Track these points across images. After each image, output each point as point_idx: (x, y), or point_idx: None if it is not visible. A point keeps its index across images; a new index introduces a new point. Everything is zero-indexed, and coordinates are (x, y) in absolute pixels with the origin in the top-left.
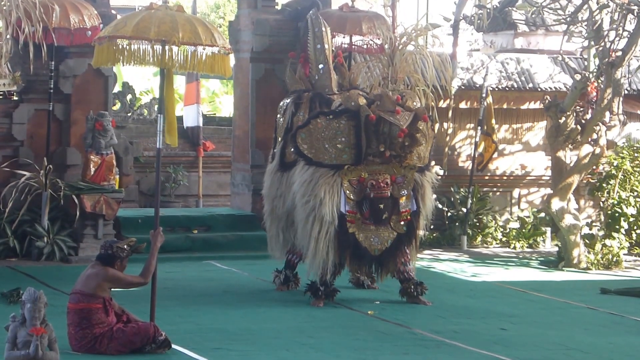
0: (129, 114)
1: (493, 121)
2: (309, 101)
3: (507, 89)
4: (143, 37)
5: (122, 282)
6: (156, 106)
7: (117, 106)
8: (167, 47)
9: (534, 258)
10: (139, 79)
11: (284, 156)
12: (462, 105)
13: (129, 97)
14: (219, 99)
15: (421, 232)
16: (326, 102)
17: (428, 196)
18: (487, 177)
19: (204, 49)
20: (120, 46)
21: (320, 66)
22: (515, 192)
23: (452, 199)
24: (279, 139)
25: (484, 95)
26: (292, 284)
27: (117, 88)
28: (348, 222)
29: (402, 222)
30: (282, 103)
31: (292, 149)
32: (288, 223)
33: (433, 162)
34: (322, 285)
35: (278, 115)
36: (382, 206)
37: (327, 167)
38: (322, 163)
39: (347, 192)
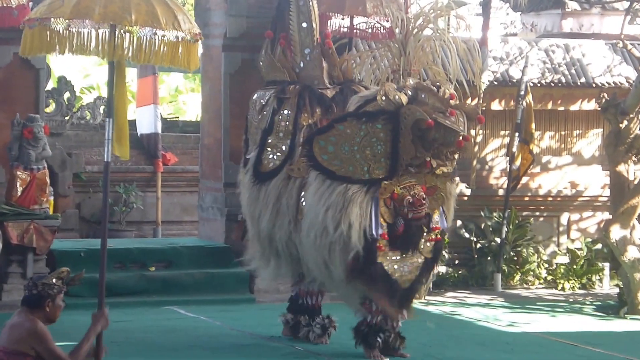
0: (67, 118)
1: (533, 126)
2: (296, 96)
3: (552, 84)
4: (85, 19)
5: (47, 350)
6: (102, 107)
7: (52, 107)
8: (116, 33)
9: (588, 302)
10: (78, 73)
11: (260, 165)
12: (495, 105)
13: (66, 95)
14: (183, 97)
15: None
16: (318, 98)
17: (451, 211)
18: (527, 198)
19: (163, 35)
20: (56, 30)
21: (307, 51)
22: (564, 218)
23: (483, 226)
24: (252, 141)
25: (522, 92)
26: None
27: (51, 84)
28: (379, 250)
29: (431, 242)
30: (256, 96)
31: (306, 160)
32: (272, 249)
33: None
34: (380, 332)
35: (251, 112)
36: (420, 229)
37: (357, 182)
38: (350, 178)
39: (384, 214)
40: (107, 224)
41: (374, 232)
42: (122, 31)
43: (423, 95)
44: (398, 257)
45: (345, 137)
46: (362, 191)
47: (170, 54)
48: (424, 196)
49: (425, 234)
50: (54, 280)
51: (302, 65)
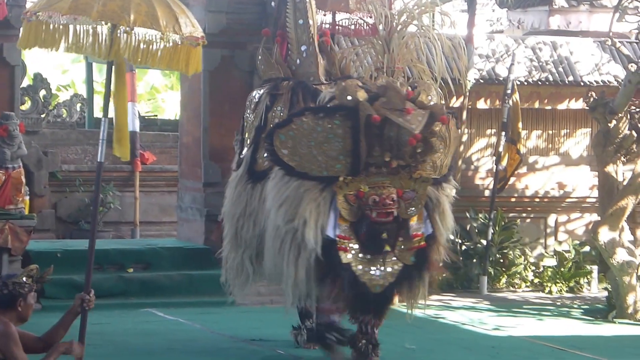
0: (43, 116)
1: (520, 125)
2: (289, 92)
3: (539, 82)
4: (82, 17)
5: (12, 355)
6: (79, 105)
7: (27, 105)
8: (115, 33)
9: (576, 306)
10: (55, 70)
11: (255, 163)
12: (481, 104)
13: (42, 93)
14: (161, 95)
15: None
16: (312, 94)
17: (447, 216)
18: (513, 199)
19: (162, 38)
20: (53, 25)
21: (303, 48)
22: (551, 219)
23: (468, 228)
24: (248, 140)
25: (509, 91)
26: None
27: (27, 81)
28: (340, 251)
29: (410, 250)
30: (252, 95)
31: (267, 154)
32: (260, 250)
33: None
34: (331, 329)
35: (247, 111)
36: (385, 234)
37: (314, 179)
38: (307, 174)
39: (342, 210)
40: (95, 229)
41: (329, 233)
42: (120, 31)
43: (385, 94)
44: (369, 259)
45: (302, 131)
46: (318, 189)
47: (169, 57)
48: (394, 198)
49: (402, 239)
50: (24, 279)
51: (298, 62)
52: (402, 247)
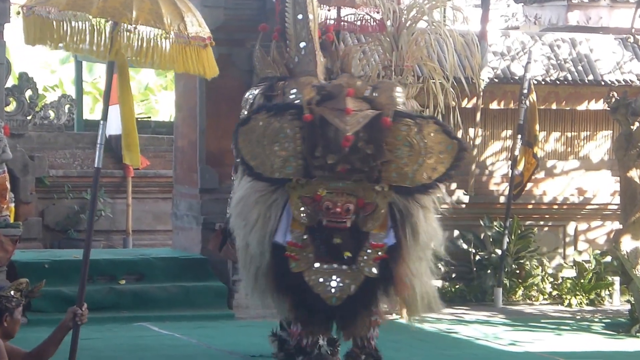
0: (29, 118)
1: (537, 127)
2: (284, 92)
3: (558, 82)
4: (81, 13)
5: None
6: (67, 107)
7: (12, 106)
8: (117, 31)
9: (596, 319)
10: (42, 70)
11: None
12: (495, 104)
13: (28, 93)
14: (155, 96)
15: (434, 281)
16: None
17: (420, 228)
18: (530, 206)
19: (166, 38)
20: (50, 21)
21: (302, 45)
22: (571, 227)
23: (482, 237)
24: None
25: (525, 91)
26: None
27: (12, 81)
28: (290, 259)
29: (374, 261)
30: (247, 95)
31: (234, 153)
32: (262, 260)
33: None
34: (300, 351)
35: (243, 111)
36: (338, 241)
37: (267, 181)
38: (262, 175)
39: (296, 213)
40: (91, 239)
41: (278, 239)
42: (122, 29)
43: (336, 93)
44: (326, 270)
45: (258, 130)
46: (269, 190)
47: (181, 59)
48: (349, 208)
49: (362, 250)
50: (12, 293)
51: (296, 60)
52: (365, 258)
